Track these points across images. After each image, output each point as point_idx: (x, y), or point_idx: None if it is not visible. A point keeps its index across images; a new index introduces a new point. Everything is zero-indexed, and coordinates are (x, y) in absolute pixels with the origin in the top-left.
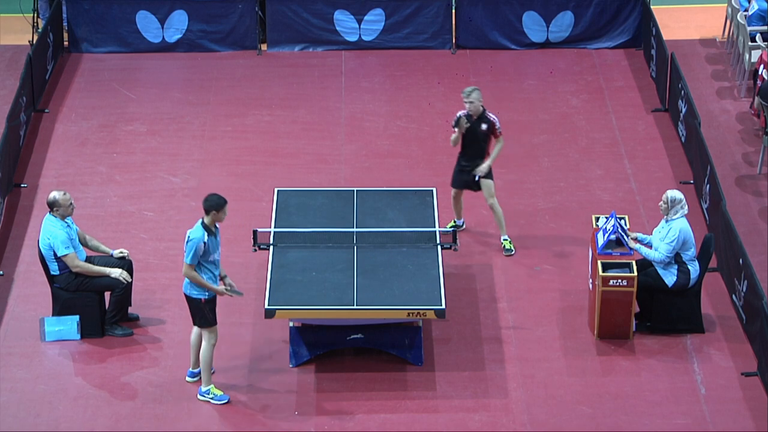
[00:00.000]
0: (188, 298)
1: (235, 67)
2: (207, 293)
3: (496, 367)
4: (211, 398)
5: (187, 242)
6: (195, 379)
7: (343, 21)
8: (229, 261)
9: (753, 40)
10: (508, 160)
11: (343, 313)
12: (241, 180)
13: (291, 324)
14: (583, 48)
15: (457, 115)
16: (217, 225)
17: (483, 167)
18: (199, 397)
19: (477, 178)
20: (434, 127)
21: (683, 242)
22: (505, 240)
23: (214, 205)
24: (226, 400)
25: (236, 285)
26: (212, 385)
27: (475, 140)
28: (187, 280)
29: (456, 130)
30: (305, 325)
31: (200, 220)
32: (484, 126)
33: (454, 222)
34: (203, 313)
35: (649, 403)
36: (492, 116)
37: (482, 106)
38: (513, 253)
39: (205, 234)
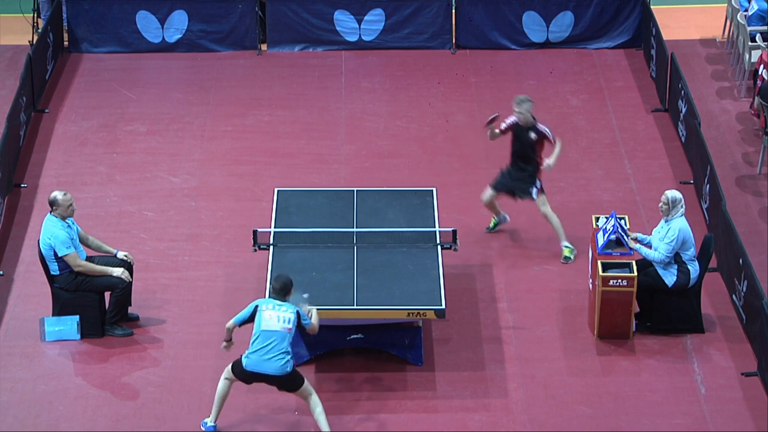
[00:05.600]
0: (288, 377)
1: (235, 67)
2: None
3: (496, 367)
4: None
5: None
6: None
7: (343, 21)
8: (229, 261)
9: (753, 40)
10: (508, 160)
11: (343, 313)
12: (241, 180)
13: None
14: (583, 48)
15: (494, 116)
16: None
17: (552, 161)
18: None
19: (534, 194)
20: (434, 127)
21: (683, 242)
22: (565, 247)
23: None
24: None
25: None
26: None
27: (523, 148)
28: (281, 361)
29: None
30: None
31: (290, 303)
32: (533, 135)
33: (496, 220)
34: (299, 375)
35: (649, 403)
36: (543, 128)
37: (533, 117)
38: (571, 261)
39: None
